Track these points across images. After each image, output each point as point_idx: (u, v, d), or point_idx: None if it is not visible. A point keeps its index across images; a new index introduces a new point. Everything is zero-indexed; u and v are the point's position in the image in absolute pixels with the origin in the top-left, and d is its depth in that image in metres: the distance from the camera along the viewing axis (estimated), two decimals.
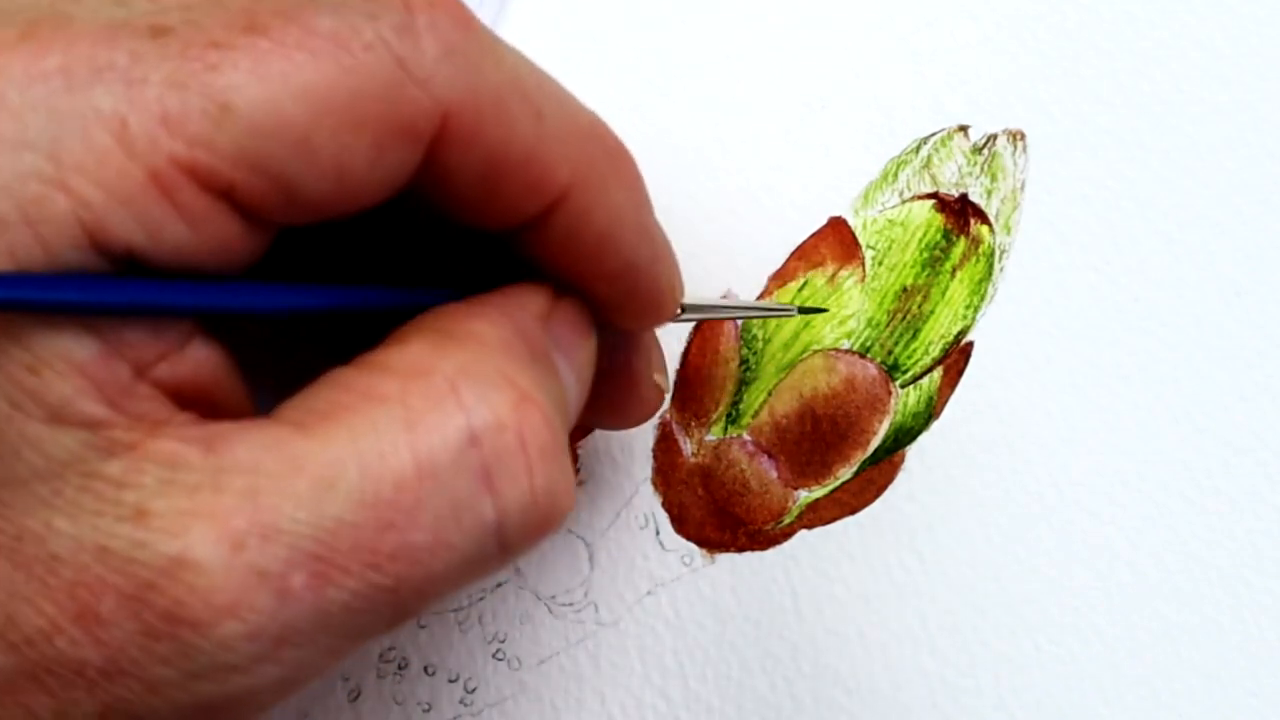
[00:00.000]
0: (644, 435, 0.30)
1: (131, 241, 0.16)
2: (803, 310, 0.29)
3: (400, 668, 0.29)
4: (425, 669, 0.29)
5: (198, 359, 0.17)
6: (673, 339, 0.30)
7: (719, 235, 0.31)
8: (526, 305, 0.21)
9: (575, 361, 0.21)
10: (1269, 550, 0.28)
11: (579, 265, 0.21)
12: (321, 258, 0.21)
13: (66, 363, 0.16)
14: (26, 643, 0.16)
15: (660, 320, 0.24)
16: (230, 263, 0.17)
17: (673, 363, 0.30)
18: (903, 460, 0.29)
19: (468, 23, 0.18)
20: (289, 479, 0.17)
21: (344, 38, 0.17)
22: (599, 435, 0.30)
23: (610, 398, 0.25)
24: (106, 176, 0.16)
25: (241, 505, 0.16)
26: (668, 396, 0.29)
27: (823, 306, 0.30)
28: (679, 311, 0.24)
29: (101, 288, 0.16)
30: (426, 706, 0.29)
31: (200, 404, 0.18)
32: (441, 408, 0.18)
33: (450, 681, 0.29)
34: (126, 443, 0.16)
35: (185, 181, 0.16)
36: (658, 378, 0.26)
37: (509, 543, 0.18)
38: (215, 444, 0.17)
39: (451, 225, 0.20)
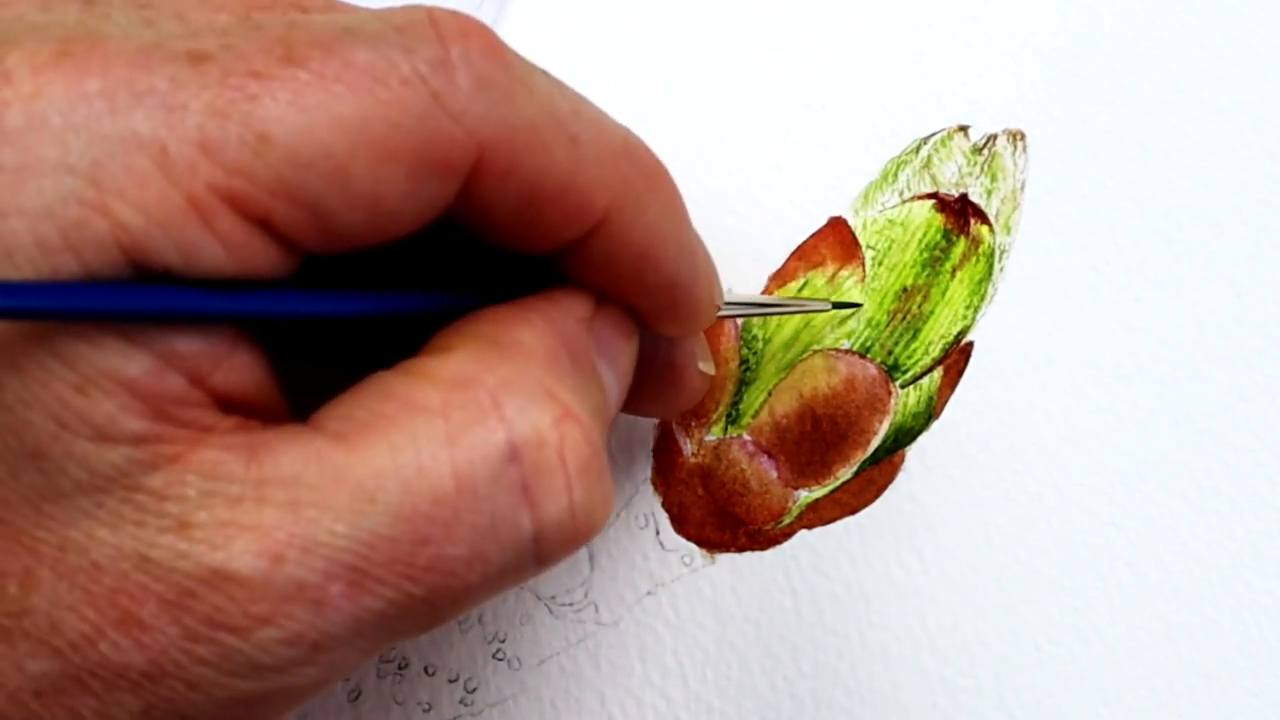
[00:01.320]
0: (644, 435, 0.30)
1: (168, 264, 0.16)
2: (837, 305, 0.29)
3: (400, 668, 0.29)
4: (425, 669, 0.29)
5: (243, 365, 0.18)
6: None
7: (719, 235, 0.31)
8: (571, 310, 0.21)
9: (617, 366, 0.22)
10: (1269, 550, 0.28)
11: (619, 282, 0.21)
12: (352, 267, 0.21)
13: (113, 380, 0.16)
14: (71, 648, 0.17)
15: (700, 328, 0.24)
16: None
17: None
18: (903, 460, 0.29)
19: (500, 53, 0.18)
20: (329, 492, 0.17)
21: (381, 71, 0.17)
22: None
23: (657, 389, 0.26)
24: (146, 201, 0.16)
25: (282, 519, 0.17)
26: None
27: (855, 303, 0.29)
28: (717, 315, 0.24)
29: (147, 295, 0.16)
30: (426, 706, 0.29)
31: (243, 409, 0.18)
32: (483, 422, 0.18)
33: (450, 681, 0.29)
34: (170, 455, 0.17)
35: (223, 208, 0.16)
36: (702, 365, 0.26)
37: (545, 556, 0.19)
38: (258, 454, 0.17)
39: (487, 244, 0.20)
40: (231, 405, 0.17)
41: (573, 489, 0.18)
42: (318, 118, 0.16)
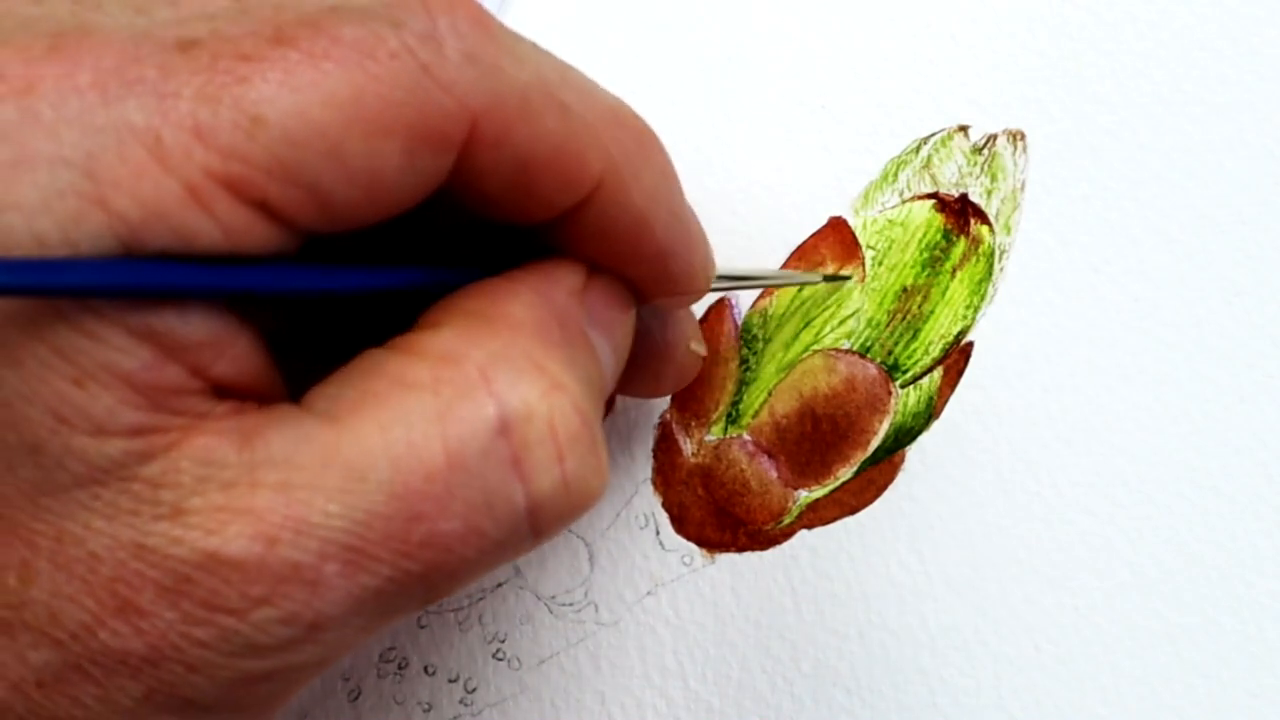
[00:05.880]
0: (644, 435, 0.30)
1: (167, 252, 0.16)
2: (829, 279, 0.29)
3: (400, 668, 0.29)
4: (425, 669, 0.29)
5: (242, 353, 0.18)
6: None
7: (719, 235, 0.31)
8: (562, 281, 0.21)
9: (612, 337, 0.21)
10: (1269, 550, 0.28)
11: (613, 251, 0.21)
12: (348, 251, 0.21)
13: (112, 374, 0.16)
14: (71, 638, 0.17)
15: (693, 298, 0.24)
16: None
17: None
18: (903, 460, 0.29)
19: (487, 24, 0.18)
20: (321, 472, 0.17)
21: (370, 46, 0.17)
22: None
23: (647, 368, 0.25)
24: (142, 190, 0.16)
25: (275, 501, 0.17)
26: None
27: (845, 275, 0.29)
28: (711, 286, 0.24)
29: (143, 271, 0.16)
30: (426, 706, 0.29)
31: (238, 392, 0.18)
32: (472, 397, 0.18)
33: (450, 681, 0.29)
34: (165, 444, 0.17)
35: (221, 193, 0.16)
36: (694, 345, 0.26)
37: (541, 528, 0.19)
38: (250, 438, 0.17)
39: (480, 218, 0.20)
40: (228, 391, 0.18)
41: (564, 460, 0.18)
42: (310, 96, 0.16)
